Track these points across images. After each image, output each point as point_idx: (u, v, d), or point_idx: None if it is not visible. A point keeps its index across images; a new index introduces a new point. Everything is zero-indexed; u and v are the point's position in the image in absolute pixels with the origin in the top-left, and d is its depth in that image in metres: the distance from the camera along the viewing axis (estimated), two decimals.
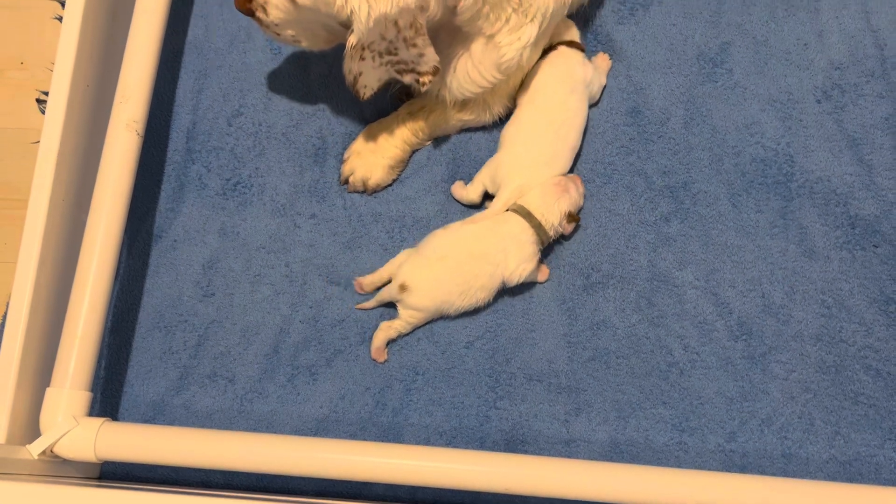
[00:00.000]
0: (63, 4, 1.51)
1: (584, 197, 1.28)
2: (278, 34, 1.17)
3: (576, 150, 1.28)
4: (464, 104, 1.27)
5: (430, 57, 1.09)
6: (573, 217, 1.24)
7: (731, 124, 1.34)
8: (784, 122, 1.33)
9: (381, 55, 1.08)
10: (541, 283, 1.26)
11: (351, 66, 1.11)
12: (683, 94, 1.35)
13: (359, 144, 1.31)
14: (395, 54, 1.08)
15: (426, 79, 1.12)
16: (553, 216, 1.21)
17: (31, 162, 1.34)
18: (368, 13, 1.01)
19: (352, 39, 1.06)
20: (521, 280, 1.21)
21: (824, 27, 1.37)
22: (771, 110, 1.34)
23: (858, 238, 1.27)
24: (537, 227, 1.20)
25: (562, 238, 1.26)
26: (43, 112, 1.46)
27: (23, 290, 1.09)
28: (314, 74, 1.37)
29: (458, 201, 1.30)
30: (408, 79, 1.13)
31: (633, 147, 1.32)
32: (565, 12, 1.25)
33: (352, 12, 1.02)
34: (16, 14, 1.53)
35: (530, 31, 1.16)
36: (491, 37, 1.15)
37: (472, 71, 1.18)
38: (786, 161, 1.31)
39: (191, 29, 1.41)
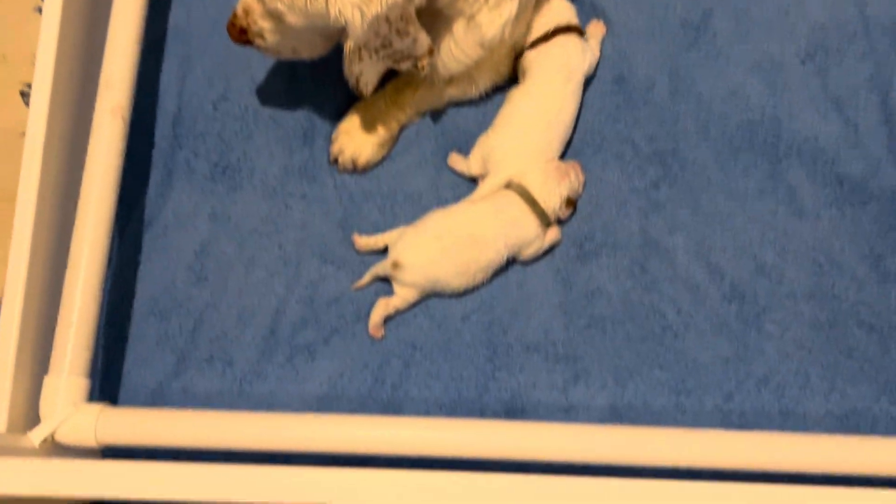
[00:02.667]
0: None
1: (584, 185, 1.28)
2: (279, 52, 1.19)
3: (567, 138, 1.28)
4: (450, 80, 1.27)
5: (423, 41, 1.10)
6: (571, 202, 1.24)
7: (716, 91, 1.34)
8: (769, 87, 1.34)
9: (377, 51, 1.10)
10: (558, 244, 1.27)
11: (352, 69, 1.13)
12: (667, 60, 1.35)
13: (347, 124, 1.30)
14: (391, 46, 1.09)
15: (423, 62, 1.13)
16: (554, 200, 1.22)
17: (18, 157, 1.33)
18: (362, 18, 1.02)
19: (349, 45, 1.08)
20: (539, 253, 1.24)
21: None
22: (756, 75, 1.35)
23: (847, 196, 1.28)
24: (541, 213, 1.21)
25: (557, 220, 1.27)
26: (28, 105, 1.45)
27: (16, 282, 1.09)
28: None
29: (455, 173, 1.30)
30: (405, 65, 1.14)
31: (620, 115, 1.33)
32: None
33: (346, 21, 1.03)
34: None
35: (510, 8, 1.17)
36: (472, 17, 1.16)
37: (456, 50, 1.19)
38: (772, 124, 1.32)
39: (172, 14, 1.40)
